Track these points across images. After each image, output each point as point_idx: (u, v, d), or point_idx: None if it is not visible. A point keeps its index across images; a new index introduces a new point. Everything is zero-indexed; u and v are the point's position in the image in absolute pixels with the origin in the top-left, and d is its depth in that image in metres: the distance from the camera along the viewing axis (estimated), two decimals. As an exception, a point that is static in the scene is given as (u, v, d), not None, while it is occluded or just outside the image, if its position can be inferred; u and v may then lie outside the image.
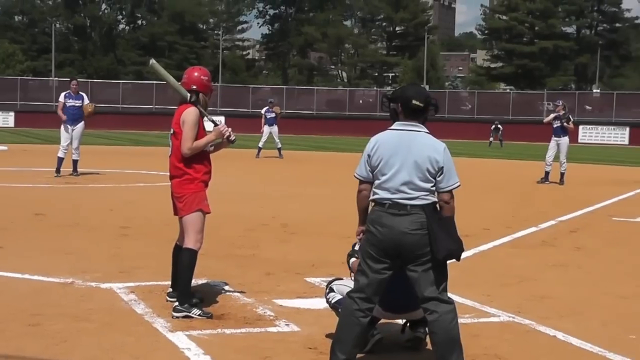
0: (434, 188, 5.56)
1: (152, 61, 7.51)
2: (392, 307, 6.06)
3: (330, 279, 6.75)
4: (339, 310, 6.11)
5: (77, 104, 19.64)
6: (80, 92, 20.01)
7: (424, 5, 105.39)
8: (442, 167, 5.54)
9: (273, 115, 31.05)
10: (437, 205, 5.58)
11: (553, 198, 18.78)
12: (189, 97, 7.19)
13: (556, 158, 22.28)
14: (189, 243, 7.13)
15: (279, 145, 30.98)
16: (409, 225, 5.44)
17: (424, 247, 5.42)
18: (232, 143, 7.42)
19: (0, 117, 60.53)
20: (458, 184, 5.61)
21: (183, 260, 7.16)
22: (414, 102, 5.63)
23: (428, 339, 5.93)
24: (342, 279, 6.58)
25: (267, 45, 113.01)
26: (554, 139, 22.43)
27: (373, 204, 5.66)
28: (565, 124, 22.21)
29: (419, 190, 5.51)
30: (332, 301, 6.31)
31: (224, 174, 18.00)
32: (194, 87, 7.25)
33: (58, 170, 19.56)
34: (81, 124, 19.80)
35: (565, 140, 22.33)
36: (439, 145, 5.61)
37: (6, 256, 9.55)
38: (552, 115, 22.58)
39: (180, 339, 6.32)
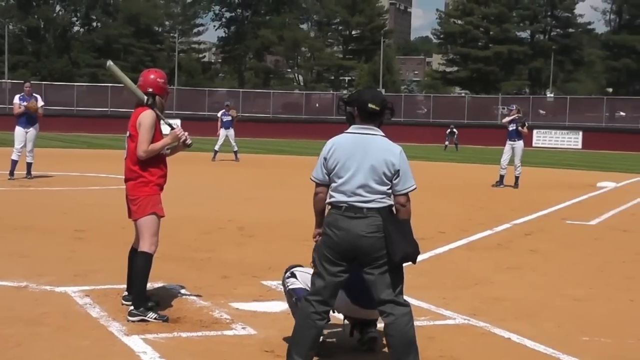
0: (390, 191, 5.60)
1: (110, 63, 7.47)
2: (362, 301, 6.04)
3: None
4: (293, 298, 6.17)
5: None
6: (34, 94, 19.87)
7: (379, 9, 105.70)
8: (398, 170, 5.58)
9: (229, 118, 31.02)
10: (394, 209, 5.61)
11: (508, 201, 18.95)
12: (145, 100, 7.15)
13: (511, 162, 22.51)
14: (144, 246, 7.09)
15: (235, 149, 30.91)
16: (365, 228, 5.47)
17: (381, 250, 5.46)
18: (189, 147, 7.39)
19: (-48, 119, 59.72)
20: (414, 186, 5.65)
21: (138, 264, 7.11)
22: (370, 105, 5.66)
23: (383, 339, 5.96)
24: (302, 266, 6.53)
25: (224, 48, 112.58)
26: (508, 142, 22.68)
27: (330, 207, 5.68)
28: (520, 128, 22.47)
29: (375, 193, 5.54)
30: (289, 287, 6.28)
31: (180, 177, 17.92)
32: (150, 89, 7.21)
33: (12, 173, 19.36)
34: (35, 127, 19.72)
35: (519, 144, 22.58)
36: (395, 149, 5.65)
37: (-42, 260, 9.43)
38: (509, 118, 22.80)
39: (136, 342, 6.28)
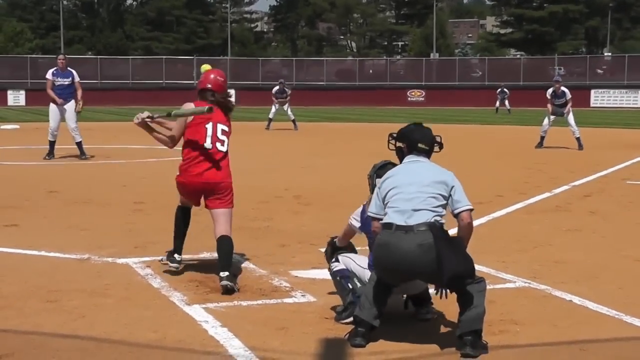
0: (443, 211, 5.66)
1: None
2: None
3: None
4: (337, 277, 6.30)
5: (65, 82, 18.21)
6: (69, 69, 18.53)
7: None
8: (453, 187, 5.71)
9: (283, 96, 31.22)
10: (444, 228, 5.64)
11: (566, 163, 18.73)
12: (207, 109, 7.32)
13: (559, 123, 22.36)
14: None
15: (292, 117, 31.00)
16: (417, 247, 5.45)
17: (434, 267, 5.42)
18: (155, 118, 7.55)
19: (12, 96, 60.66)
20: (471, 206, 5.76)
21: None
22: (420, 145, 5.92)
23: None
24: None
25: (276, 17, 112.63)
26: (555, 108, 22.52)
27: (382, 228, 5.71)
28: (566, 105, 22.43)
29: (427, 211, 5.58)
30: (334, 269, 6.38)
31: (236, 147, 17.96)
32: (209, 85, 7.56)
33: (50, 153, 18.49)
34: (71, 103, 18.17)
35: (565, 111, 22.36)
36: (448, 171, 5.85)
37: (22, 234, 9.61)
38: (550, 95, 22.61)
39: (197, 312, 6.35)
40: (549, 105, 22.68)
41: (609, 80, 64.21)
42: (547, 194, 13.31)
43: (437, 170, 5.83)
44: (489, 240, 9.29)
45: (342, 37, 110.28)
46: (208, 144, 7.35)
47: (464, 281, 5.48)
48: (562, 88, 22.56)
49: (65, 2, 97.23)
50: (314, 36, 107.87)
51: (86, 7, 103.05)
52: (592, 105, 57.19)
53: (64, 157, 18.81)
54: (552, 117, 22.50)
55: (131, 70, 66.65)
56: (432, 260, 5.39)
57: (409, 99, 63.27)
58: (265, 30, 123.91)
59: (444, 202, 5.68)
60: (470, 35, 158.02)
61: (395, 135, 6.10)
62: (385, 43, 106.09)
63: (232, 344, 5.59)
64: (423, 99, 63.29)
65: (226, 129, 7.50)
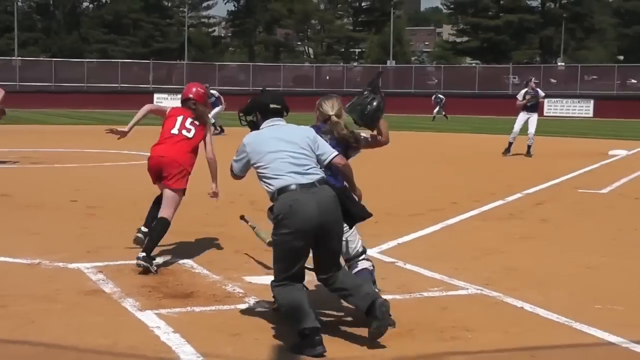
0: (317, 164, 5.88)
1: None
2: None
3: None
4: None
5: None
6: None
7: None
8: (317, 142, 5.98)
9: (212, 99, 31.48)
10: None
11: (519, 171, 18.89)
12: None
13: (524, 131, 22.50)
14: None
15: (212, 121, 31.19)
16: (325, 198, 5.65)
17: (339, 214, 5.76)
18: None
19: (-37, 97, 59.79)
20: (336, 151, 6.06)
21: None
22: (272, 106, 6.14)
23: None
24: None
25: (233, 22, 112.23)
26: (524, 113, 22.68)
27: (277, 194, 5.77)
28: (540, 100, 22.73)
29: (315, 169, 5.81)
30: None
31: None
32: (191, 96, 8.73)
33: None
34: None
35: (535, 115, 22.71)
36: (307, 128, 6.19)
37: (-28, 238, 9.48)
38: (525, 95, 22.72)
39: (149, 317, 6.31)
40: (518, 104, 22.74)
41: (562, 90, 64.85)
42: (500, 202, 13.41)
43: (302, 131, 6.09)
44: (443, 247, 9.35)
45: (299, 43, 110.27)
46: (175, 130, 8.50)
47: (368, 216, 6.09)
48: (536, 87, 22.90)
49: (19, 4, 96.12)
50: (271, 42, 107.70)
51: (41, 8, 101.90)
52: (545, 114, 57.63)
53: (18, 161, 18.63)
54: (522, 119, 22.61)
55: (86, 74, 65.99)
56: (337, 209, 5.69)
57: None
58: (222, 35, 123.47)
59: (315, 156, 5.92)
60: (427, 43, 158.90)
61: (243, 110, 6.27)
62: (343, 50, 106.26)
63: (184, 350, 5.56)
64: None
65: (197, 122, 8.62)
